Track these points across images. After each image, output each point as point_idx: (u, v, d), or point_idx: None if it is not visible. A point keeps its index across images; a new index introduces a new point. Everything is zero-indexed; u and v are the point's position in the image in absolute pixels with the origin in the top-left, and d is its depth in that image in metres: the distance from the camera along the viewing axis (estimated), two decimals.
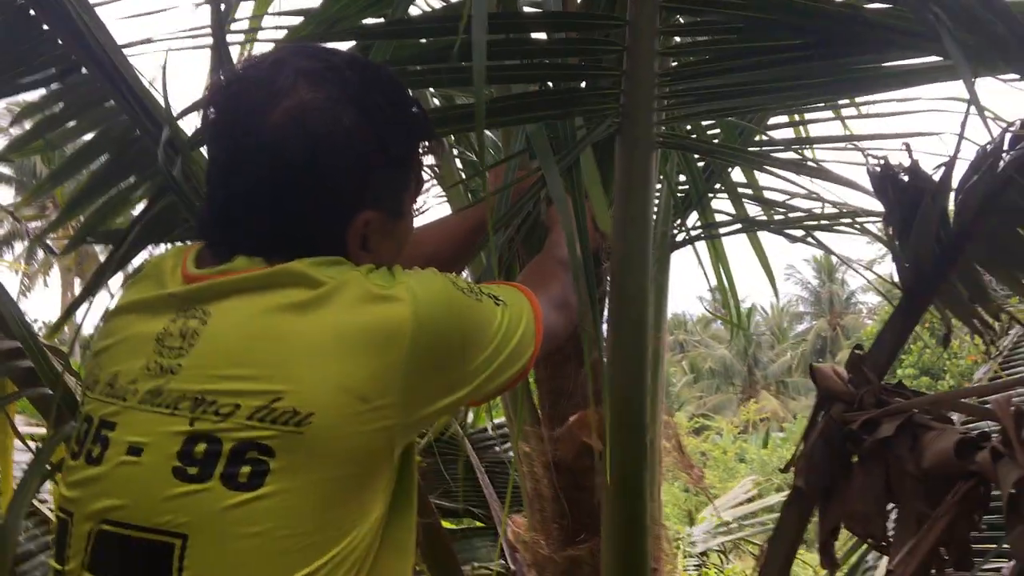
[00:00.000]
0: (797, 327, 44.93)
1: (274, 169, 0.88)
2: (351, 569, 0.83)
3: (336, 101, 0.89)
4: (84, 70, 1.42)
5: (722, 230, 2.07)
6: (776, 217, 2.10)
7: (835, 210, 1.94)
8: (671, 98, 1.41)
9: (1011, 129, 1.14)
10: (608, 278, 1.53)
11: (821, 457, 1.38)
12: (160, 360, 0.85)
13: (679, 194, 2.07)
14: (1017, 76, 1.13)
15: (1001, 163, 1.16)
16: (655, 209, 2.06)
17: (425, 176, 1.19)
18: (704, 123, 1.97)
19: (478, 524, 2.63)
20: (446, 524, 2.40)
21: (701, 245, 2.15)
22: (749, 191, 2.12)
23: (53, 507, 1.89)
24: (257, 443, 0.79)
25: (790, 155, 1.93)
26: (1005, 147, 1.19)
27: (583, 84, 1.48)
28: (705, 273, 2.12)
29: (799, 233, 2.02)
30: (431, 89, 1.96)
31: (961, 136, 1.25)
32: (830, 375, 1.39)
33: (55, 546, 0.90)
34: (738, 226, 2.05)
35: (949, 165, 1.16)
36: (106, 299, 1.48)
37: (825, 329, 39.95)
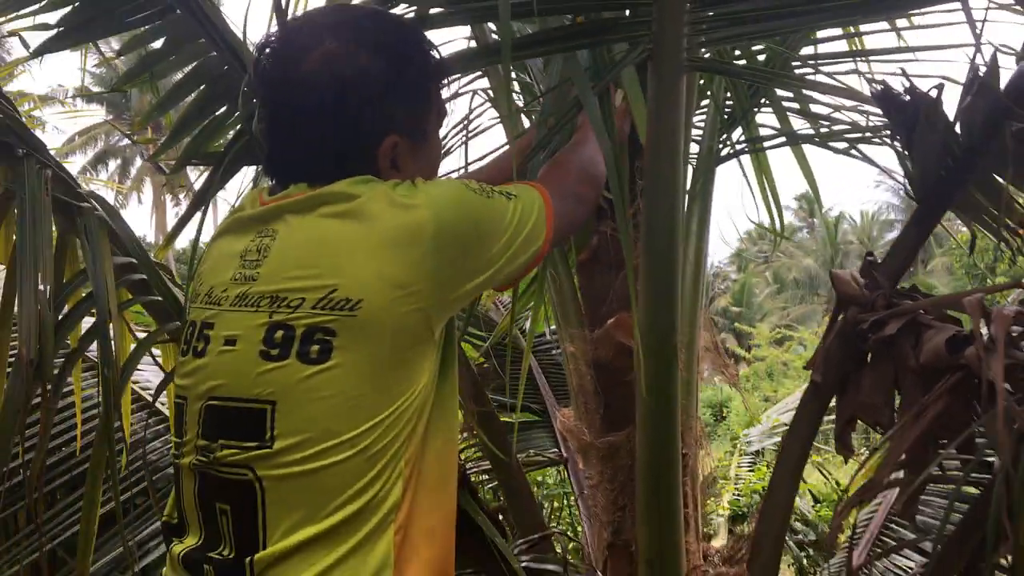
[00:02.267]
0: (887, 235, 43.52)
1: (310, 108, 1.07)
2: (409, 422, 1.03)
3: (356, 46, 1.08)
4: (178, 11, 1.60)
5: (767, 144, 2.16)
6: (822, 130, 2.17)
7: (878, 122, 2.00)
8: (701, 23, 1.50)
9: (1001, 50, 1.20)
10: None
11: (838, 355, 1.52)
12: (244, 271, 1.07)
13: (726, 111, 2.17)
14: None
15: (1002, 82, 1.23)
16: (703, 126, 2.17)
17: (480, 99, 1.36)
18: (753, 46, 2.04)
19: (535, 417, 2.86)
20: (506, 418, 2.64)
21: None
22: (795, 105, 2.19)
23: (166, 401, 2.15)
24: (322, 327, 0.99)
25: (827, 72, 1.97)
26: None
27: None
28: (750, 186, 2.22)
29: (842, 146, 2.10)
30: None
31: (975, 57, 1.31)
32: (848, 280, 1.51)
33: (175, 425, 1.13)
34: (782, 140, 2.14)
35: (940, 87, 1.24)
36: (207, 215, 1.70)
37: None
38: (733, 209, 2.23)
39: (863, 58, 2.18)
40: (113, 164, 32.76)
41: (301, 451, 0.99)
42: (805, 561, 2.82)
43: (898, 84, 1.25)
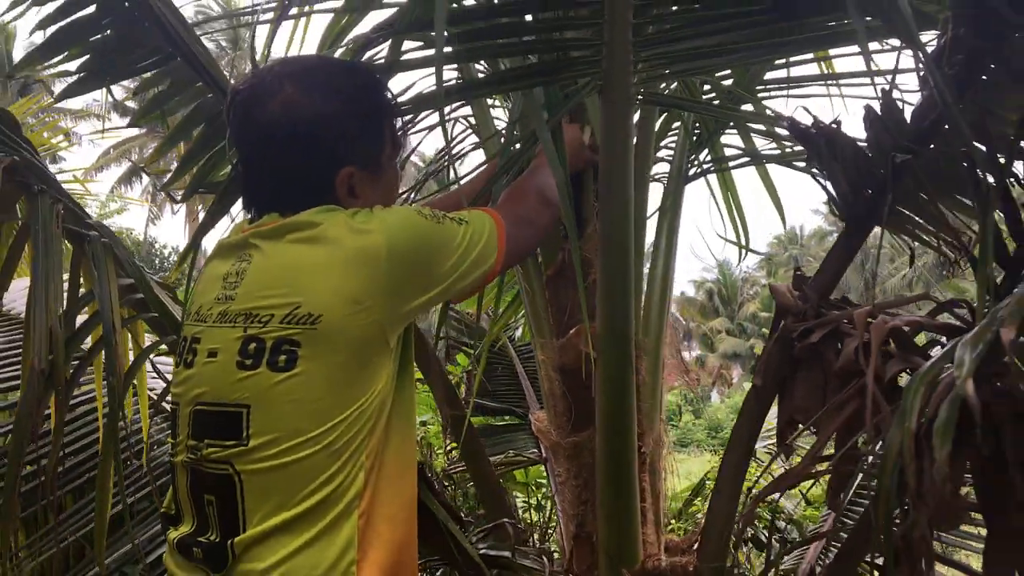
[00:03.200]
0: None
1: (272, 147, 1.23)
2: (369, 420, 1.18)
3: (312, 91, 1.24)
4: (178, 58, 1.78)
5: (732, 164, 2.30)
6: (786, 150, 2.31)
7: None
8: (653, 60, 1.65)
9: (892, 86, 1.34)
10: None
11: (776, 361, 1.65)
12: (224, 292, 1.23)
13: (695, 132, 2.31)
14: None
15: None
16: (675, 146, 2.32)
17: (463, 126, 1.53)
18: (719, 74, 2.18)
19: (518, 421, 3.04)
20: (496, 421, 2.81)
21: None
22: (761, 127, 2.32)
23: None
24: (288, 339, 1.14)
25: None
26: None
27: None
28: (718, 204, 2.36)
29: (802, 164, 2.22)
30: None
31: (895, 84, 1.45)
32: (784, 292, 1.64)
33: (171, 428, 1.30)
34: (747, 159, 2.28)
35: (837, 122, 1.39)
36: (218, 231, 1.89)
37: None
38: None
39: (829, 82, 2.32)
40: (146, 178, 33.45)
41: (273, 448, 1.14)
42: (785, 557, 2.96)
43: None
